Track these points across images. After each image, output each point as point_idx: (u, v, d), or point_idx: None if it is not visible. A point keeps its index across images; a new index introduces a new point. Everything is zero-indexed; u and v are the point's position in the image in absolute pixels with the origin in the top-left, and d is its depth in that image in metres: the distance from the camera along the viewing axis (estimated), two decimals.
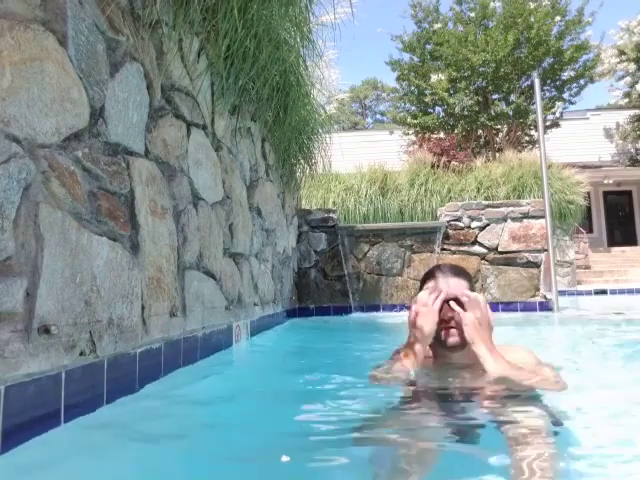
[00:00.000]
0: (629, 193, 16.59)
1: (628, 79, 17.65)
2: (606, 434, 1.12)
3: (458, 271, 1.58)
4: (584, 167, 12.13)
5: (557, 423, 1.13)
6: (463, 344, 1.44)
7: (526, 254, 5.05)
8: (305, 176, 4.94)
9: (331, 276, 5.20)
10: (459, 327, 1.45)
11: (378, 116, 35.54)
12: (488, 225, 5.14)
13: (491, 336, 1.46)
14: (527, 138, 14.31)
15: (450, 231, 5.16)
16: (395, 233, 5.23)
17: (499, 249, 5.09)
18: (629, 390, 1.55)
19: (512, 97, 13.23)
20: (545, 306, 4.91)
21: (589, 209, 13.58)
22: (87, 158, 1.38)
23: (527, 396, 1.31)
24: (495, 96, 13.64)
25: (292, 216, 5.01)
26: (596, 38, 14.60)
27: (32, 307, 1.12)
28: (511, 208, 5.15)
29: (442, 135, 13.73)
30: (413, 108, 14.56)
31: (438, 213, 5.45)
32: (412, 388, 1.42)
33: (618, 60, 17.43)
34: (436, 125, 13.70)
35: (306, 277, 5.21)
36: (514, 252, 5.06)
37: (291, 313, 4.69)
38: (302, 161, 4.65)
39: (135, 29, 1.70)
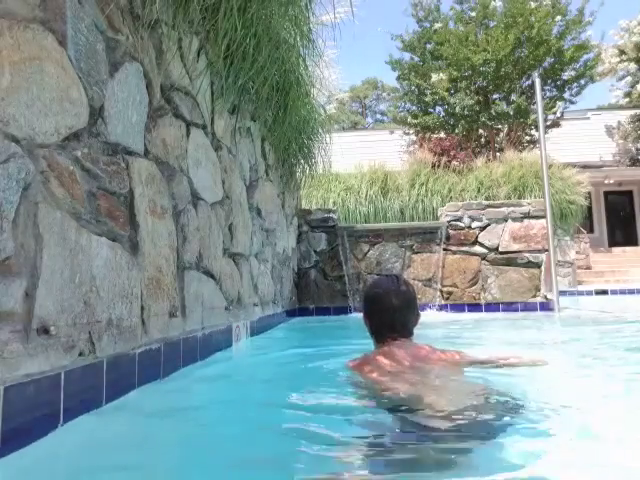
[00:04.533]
0: (630, 193, 16.58)
1: (629, 79, 17.65)
2: (603, 431, 1.12)
3: None
4: (585, 167, 12.12)
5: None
6: None
7: (527, 254, 5.04)
8: (305, 176, 4.94)
9: (331, 276, 5.20)
10: None
11: (378, 116, 35.54)
12: (489, 225, 5.14)
13: None
14: (528, 138, 14.30)
15: (451, 231, 5.16)
16: (395, 233, 5.23)
17: (500, 249, 5.08)
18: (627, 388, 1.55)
19: (513, 97, 13.23)
20: (546, 306, 4.91)
21: (590, 209, 13.58)
22: (86, 158, 1.38)
23: None
24: (496, 96, 13.63)
25: (292, 216, 5.01)
26: (596, 38, 14.61)
27: (31, 307, 1.12)
28: (512, 208, 5.15)
29: (442, 135, 13.72)
30: (413, 108, 14.56)
31: (439, 213, 5.44)
32: None
33: (618, 60, 17.43)
34: (436, 125, 13.70)
35: (306, 277, 5.21)
36: (515, 252, 5.06)
37: (291, 313, 4.69)
38: (302, 161, 4.64)
39: (134, 28, 1.69)
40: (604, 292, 7.86)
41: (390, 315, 1.69)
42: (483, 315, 4.79)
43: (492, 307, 4.98)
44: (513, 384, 1.51)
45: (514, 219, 5.12)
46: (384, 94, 32.56)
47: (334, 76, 4.87)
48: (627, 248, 14.55)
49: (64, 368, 1.22)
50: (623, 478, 0.91)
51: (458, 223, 5.16)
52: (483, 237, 5.12)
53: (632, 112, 16.85)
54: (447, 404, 1.19)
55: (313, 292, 5.18)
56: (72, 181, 1.30)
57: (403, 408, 1.24)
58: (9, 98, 1.09)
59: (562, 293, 5.40)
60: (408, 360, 1.53)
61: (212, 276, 2.42)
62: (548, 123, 13.30)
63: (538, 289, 5.01)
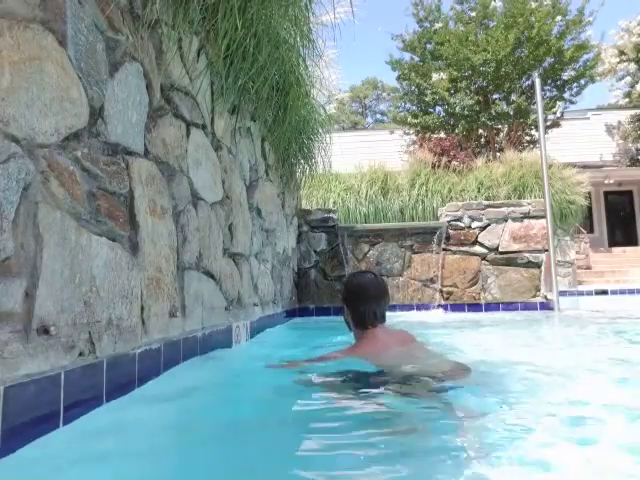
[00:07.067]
0: (630, 193, 16.57)
1: (628, 79, 17.66)
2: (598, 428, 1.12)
3: None
4: (585, 167, 12.09)
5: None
6: None
7: (527, 254, 5.04)
8: (305, 176, 4.93)
9: (331, 276, 5.20)
10: None
11: (378, 116, 35.55)
12: (489, 225, 5.14)
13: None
14: (528, 138, 14.28)
15: (451, 231, 5.16)
16: (395, 233, 5.23)
17: (500, 249, 5.08)
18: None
19: (513, 97, 13.22)
20: (546, 306, 4.91)
21: (590, 209, 13.57)
22: (86, 158, 1.38)
23: None
24: (496, 96, 13.62)
25: (292, 216, 5.01)
26: (596, 38, 14.62)
27: (31, 307, 1.12)
28: (512, 208, 5.15)
29: (442, 135, 13.71)
30: (413, 108, 14.54)
31: (439, 213, 5.44)
32: None
33: (618, 60, 17.44)
34: (437, 125, 13.68)
35: (306, 277, 5.21)
36: (515, 252, 5.05)
37: (291, 313, 4.68)
38: (302, 161, 4.64)
39: (134, 28, 1.69)
40: (604, 292, 7.84)
41: (374, 305, 2.00)
42: (483, 315, 4.79)
43: (492, 307, 4.98)
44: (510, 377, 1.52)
45: (514, 219, 5.12)
46: (384, 94, 32.57)
47: (334, 76, 4.87)
48: (627, 248, 14.54)
49: (64, 368, 1.22)
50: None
51: (458, 223, 5.16)
52: (483, 237, 5.12)
53: (632, 112, 16.83)
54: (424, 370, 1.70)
55: (313, 292, 5.18)
56: (72, 181, 1.30)
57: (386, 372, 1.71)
58: (9, 98, 1.09)
59: (562, 293, 5.40)
60: (392, 341, 1.99)
61: (212, 276, 2.42)
62: (548, 123, 13.30)
63: (538, 289, 5.01)
